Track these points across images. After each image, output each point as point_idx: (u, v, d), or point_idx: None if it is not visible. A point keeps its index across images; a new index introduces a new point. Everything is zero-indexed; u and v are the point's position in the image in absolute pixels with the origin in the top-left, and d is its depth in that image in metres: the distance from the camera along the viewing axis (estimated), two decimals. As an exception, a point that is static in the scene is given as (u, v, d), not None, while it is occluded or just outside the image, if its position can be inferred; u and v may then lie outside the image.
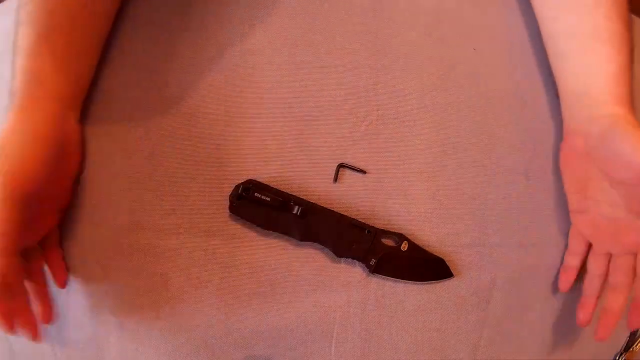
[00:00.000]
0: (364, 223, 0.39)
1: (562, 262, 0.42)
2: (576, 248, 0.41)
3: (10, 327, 0.31)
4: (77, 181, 0.39)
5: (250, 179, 0.39)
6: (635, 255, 0.37)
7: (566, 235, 0.42)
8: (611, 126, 0.36)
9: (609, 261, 0.39)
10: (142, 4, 0.42)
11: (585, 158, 0.39)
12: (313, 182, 0.40)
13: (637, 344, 0.46)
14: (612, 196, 0.37)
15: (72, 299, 0.40)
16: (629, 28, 0.39)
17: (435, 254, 0.40)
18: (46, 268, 0.38)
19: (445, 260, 0.40)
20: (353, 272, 0.40)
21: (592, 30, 0.38)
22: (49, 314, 0.37)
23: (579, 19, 0.39)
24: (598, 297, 0.40)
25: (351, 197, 0.40)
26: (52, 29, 0.35)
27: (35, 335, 0.33)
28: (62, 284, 0.38)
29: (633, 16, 0.46)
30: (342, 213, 0.39)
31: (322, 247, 0.39)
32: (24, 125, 0.33)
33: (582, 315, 0.40)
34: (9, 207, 0.30)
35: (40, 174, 0.32)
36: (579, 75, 0.39)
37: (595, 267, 0.40)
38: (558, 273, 0.43)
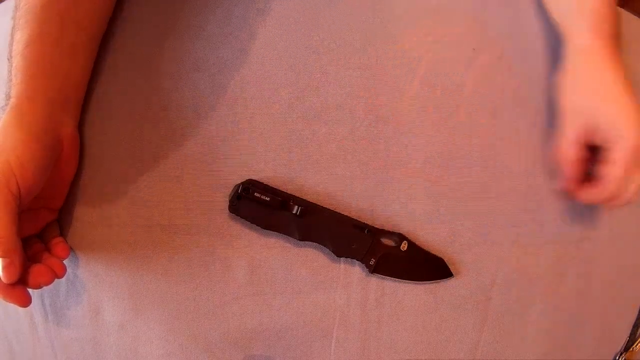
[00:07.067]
0: (364, 223, 0.39)
1: (562, 261, 0.42)
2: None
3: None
4: (75, 182, 0.39)
5: (250, 179, 0.39)
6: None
7: (565, 235, 0.43)
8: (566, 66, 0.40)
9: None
10: (141, 5, 0.42)
11: None
12: (313, 182, 0.40)
13: (637, 344, 0.46)
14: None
15: (72, 299, 0.40)
16: None
17: (435, 254, 0.40)
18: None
19: (445, 260, 0.40)
20: (353, 272, 0.40)
21: None
22: (60, 268, 0.35)
23: None
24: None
25: (351, 197, 0.40)
26: (42, 31, 0.35)
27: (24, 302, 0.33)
28: (65, 254, 0.37)
29: (633, 16, 0.46)
30: (342, 213, 0.39)
31: (322, 247, 0.39)
32: (16, 127, 0.33)
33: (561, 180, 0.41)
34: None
35: (32, 175, 0.32)
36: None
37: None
38: (557, 273, 0.43)
